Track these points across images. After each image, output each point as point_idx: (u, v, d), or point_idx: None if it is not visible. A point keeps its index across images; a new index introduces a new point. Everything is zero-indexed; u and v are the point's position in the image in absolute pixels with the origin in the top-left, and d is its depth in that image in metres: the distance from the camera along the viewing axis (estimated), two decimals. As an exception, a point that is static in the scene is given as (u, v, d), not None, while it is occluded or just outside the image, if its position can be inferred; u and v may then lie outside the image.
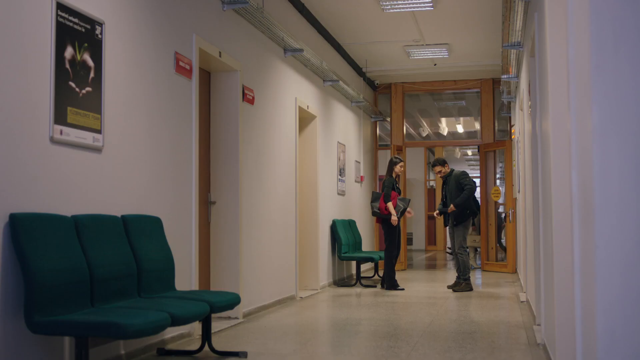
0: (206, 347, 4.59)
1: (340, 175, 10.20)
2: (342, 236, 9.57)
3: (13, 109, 3.41)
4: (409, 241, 17.76)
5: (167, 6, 5.01)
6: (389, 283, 8.80)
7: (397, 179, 9.02)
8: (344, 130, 10.53)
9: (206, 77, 6.16)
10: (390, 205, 8.70)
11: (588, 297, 2.38)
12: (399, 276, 9.54)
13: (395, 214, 8.68)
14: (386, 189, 8.81)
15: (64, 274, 3.53)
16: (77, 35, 3.90)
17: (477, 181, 13.60)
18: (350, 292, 8.75)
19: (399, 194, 9.03)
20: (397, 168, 8.93)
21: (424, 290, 8.95)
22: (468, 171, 26.39)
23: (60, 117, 3.72)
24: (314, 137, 8.91)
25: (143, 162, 4.63)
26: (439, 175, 9.23)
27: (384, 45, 10.28)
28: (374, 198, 9.06)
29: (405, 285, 9.26)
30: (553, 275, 3.84)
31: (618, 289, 2.11)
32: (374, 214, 9.01)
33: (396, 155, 9.46)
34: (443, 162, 9.15)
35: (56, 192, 3.71)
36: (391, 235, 8.83)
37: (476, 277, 10.91)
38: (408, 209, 9.16)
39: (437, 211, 9.38)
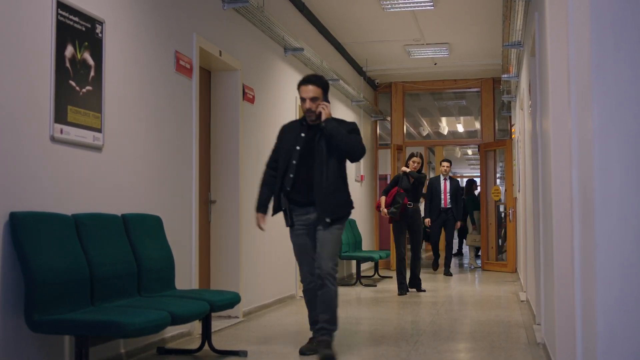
0: (206, 346, 4.59)
1: (340, 174, 10.16)
2: (342, 235, 9.52)
3: (13, 108, 3.41)
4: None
5: (167, 5, 5.01)
6: (413, 283, 8.55)
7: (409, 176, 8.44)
8: (344, 129, 10.51)
9: (206, 76, 6.16)
10: (382, 199, 8.47)
11: (588, 296, 2.38)
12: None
13: (382, 207, 8.35)
14: (390, 184, 8.64)
15: (64, 273, 3.53)
16: (78, 34, 3.90)
17: (478, 180, 13.61)
18: (350, 291, 8.75)
19: (405, 190, 8.37)
20: (410, 163, 8.51)
21: (424, 289, 8.93)
22: (468, 171, 26.43)
23: (60, 116, 3.72)
24: (314, 136, 8.88)
25: (143, 161, 4.63)
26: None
27: (384, 45, 10.27)
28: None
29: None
30: (553, 275, 3.84)
31: (618, 289, 2.11)
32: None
33: (416, 151, 8.94)
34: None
35: (56, 191, 3.71)
36: (394, 234, 8.52)
37: (475, 277, 10.92)
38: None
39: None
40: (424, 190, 10.00)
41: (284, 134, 4.75)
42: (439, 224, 10.94)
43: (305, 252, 4.65)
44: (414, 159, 8.54)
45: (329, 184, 4.46)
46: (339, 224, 4.58)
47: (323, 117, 4.49)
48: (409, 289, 8.48)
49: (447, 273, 10.85)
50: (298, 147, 4.56)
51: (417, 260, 8.53)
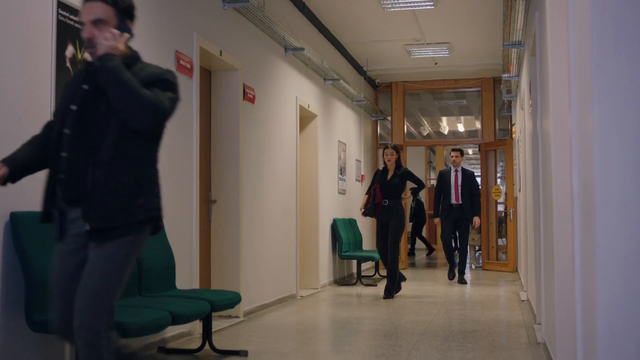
0: (207, 346, 4.59)
1: (340, 174, 10.20)
2: (343, 235, 9.57)
3: (14, 108, 3.42)
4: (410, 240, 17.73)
5: (167, 5, 5.01)
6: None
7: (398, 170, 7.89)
8: (344, 129, 10.53)
9: (207, 76, 6.16)
10: (365, 198, 8.19)
11: (588, 296, 2.38)
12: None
13: (361, 206, 8.14)
14: (372, 181, 8.22)
15: (65, 273, 3.53)
16: (78, 34, 3.89)
17: (478, 180, 13.59)
18: (351, 291, 8.75)
19: (380, 186, 7.87)
20: (384, 156, 8.01)
21: (425, 289, 8.94)
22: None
23: (60, 116, 3.71)
24: (315, 136, 8.92)
25: (144, 161, 4.62)
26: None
27: (384, 44, 10.27)
28: None
29: (406, 284, 9.01)
30: (553, 274, 3.84)
31: (619, 288, 2.11)
32: None
33: (390, 143, 8.45)
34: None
35: (57, 191, 3.71)
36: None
37: (476, 276, 10.92)
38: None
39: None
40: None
41: (66, 88, 2.85)
42: (450, 223, 9.65)
43: (62, 282, 2.70)
44: (386, 151, 7.95)
45: (104, 168, 2.60)
46: (117, 241, 2.61)
47: (99, 52, 2.62)
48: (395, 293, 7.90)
49: (462, 281, 9.55)
50: (74, 107, 2.66)
51: (392, 262, 7.70)
